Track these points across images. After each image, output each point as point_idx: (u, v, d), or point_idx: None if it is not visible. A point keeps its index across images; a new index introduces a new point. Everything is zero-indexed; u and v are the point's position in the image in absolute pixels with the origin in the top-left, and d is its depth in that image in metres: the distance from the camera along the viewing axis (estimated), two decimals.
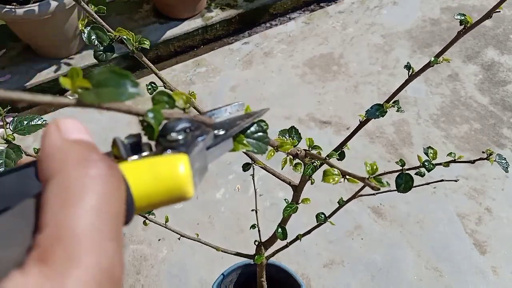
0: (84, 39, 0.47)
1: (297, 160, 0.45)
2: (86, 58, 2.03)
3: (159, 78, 0.56)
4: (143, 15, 2.25)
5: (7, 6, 1.74)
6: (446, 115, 1.85)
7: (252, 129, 0.29)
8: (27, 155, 0.61)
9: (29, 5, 1.75)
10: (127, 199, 0.20)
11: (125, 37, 0.47)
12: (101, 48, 0.48)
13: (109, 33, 0.48)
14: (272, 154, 0.37)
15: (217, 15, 2.26)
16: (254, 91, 1.97)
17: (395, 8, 2.39)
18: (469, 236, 1.46)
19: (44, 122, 0.59)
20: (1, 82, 1.92)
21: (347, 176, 0.36)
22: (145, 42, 0.49)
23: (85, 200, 0.17)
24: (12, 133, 0.54)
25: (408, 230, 1.48)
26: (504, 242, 1.44)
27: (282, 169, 0.48)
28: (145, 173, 0.22)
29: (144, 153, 0.24)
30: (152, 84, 0.56)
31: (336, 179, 0.35)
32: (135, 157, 0.24)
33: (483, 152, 0.60)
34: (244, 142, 0.28)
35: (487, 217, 1.51)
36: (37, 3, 1.74)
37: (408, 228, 1.48)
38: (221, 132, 0.28)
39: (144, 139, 0.25)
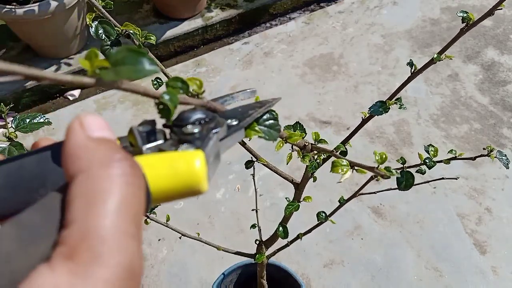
0: (91, 33, 0.48)
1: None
2: None
3: (165, 74, 0.57)
4: (143, 15, 2.26)
5: (7, 6, 1.74)
6: (446, 115, 1.85)
7: (264, 116, 0.29)
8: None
9: (29, 5, 1.75)
10: (146, 195, 0.21)
11: (131, 31, 0.47)
12: (108, 42, 0.48)
13: (116, 28, 0.48)
14: (281, 145, 0.37)
15: (217, 15, 2.26)
16: None
17: (395, 8, 2.39)
18: (469, 236, 1.46)
19: (46, 120, 0.59)
20: (1, 82, 1.92)
21: (356, 167, 0.36)
22: (151, 37, 0.50)
23: (109, 201, 0.18)
24: (14, 131, 0.55)
25: (408, 230, 1.48)
26: (504, 242, 1.44)
27: (287, 164, 0.48)
28: (163, 168, 0.22)
29: (159, 141, 0.25)
30: (158, 80, 0.57)
31: (345, 169, 0.35)
32: (151, 145, 0.25)
33: (484, 149, 0.60)
34: (256, 129, 0.28)
35: (487, 217, 1.51)
36: (37, 3, 1.74)
37: (408, 228, 1.48)
38: (234, 123, 0.29)
39: (159, 126, 0.26)
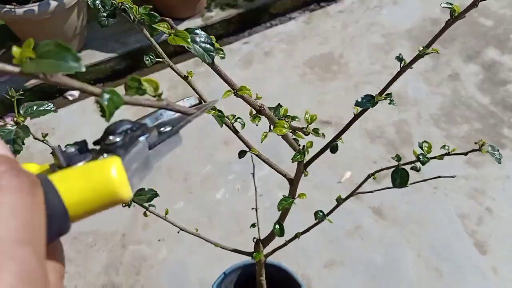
0: (89, 3, 0.49)
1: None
2: (86, 58, 2.03)
3: (160, 54, 0.57)
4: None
5: (7, 6, 1.74)
6: (447, 115, 1.85)
7: (201, 38, 0.29)
8: (34, 138, 0.65)
9: (29, 5, 1.74)
10: (54, 207, 0.21)
11: (127, 5, 0.47)
12: (104, 14, 0.49)
13: (113, 0, 0.49)
14: (229, 93, 0.38)
15: (217, 15, 2.25)
16: (254, 91, 1.96)
17: (395, 8, 2.39)
18: (469, 236, 1.46)
19: (52, 108, 0.63)
20: (1, 82, 1.92)
21: (296, 131, 0.38)
22: (146, 15, 0.51)
23: None
24: (23, 116, 0.58)
25: (408, 230, 1.48)
26: (504, 242, 1.44)
27: (261, 142, 0.49)
28: (77, 180, 0.22)
29: (87, 159, 0.24)
30: (150, 56, 0.58)
31: (284, 130, 0.37)
32: (79, 164, 0.24)
33: (475, 143, 0.60)
34: (189, 40, 0.27)
35: (488, 217, 1.50)
36: (37, 3, 1.74)
37: (408, 228, 1.48)
38: (167, 129, 0.28)
39: (90, 145, 0.26)
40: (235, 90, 0.35)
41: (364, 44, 2.18)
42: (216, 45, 0.27)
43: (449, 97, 1.92)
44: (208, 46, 0.27)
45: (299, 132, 0.38)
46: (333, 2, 2.46)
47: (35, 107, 0.62)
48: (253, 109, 0.42)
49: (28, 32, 1.87)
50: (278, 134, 0.42)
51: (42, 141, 0.66)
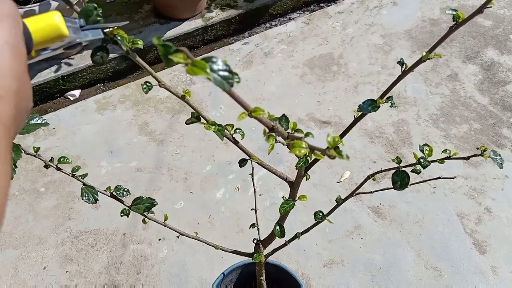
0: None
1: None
2: (86, 58, 2.03)
3: (154, 77, 0.57)
4: (143, 15, 2.26)
5: None
6: (446, 115, 1.85)
7: (219, 66, 0.29)
8: (26, 153, 0.62)
9: (29, 5, 1.75)
10: (25, 32, 0.36)
11: (119, 37, 0.47)
12: (97, 51, 0.49)
13: (103, 32, 0.49)
14: (244, 116, 0.38)
15: (217, 15, 2.26)
16: (254, 91, 1.97)
17: (395, 8, 2.39)
18: (469, 236, 1.46)
19: (44, 121, 0.60)
20: None
21: (314, 150, 0.38)
22: (138, 42, 0.51)
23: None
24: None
25: (408, 230, 1.48)
26: (504, 242, 1.45)
27: (268, 154, 0.49)
28: (37, 20, 0.38)
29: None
30: (147, 83, 0.58)
31: (303, 151, 0.37)
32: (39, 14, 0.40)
33: (477, 149, 0.60)
34: (208, 71, 0.28)
35: (487, 217, 1.51)
36: (38, 3, 1.75)
37: (408, 228, 1.49)
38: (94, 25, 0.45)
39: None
40: (249, 112, 0.36)
41: (363, 45, 2.19)
42: (233, 72, 0.28)
43: (448, 97, 1.92)
44: (227, 74, 0.28)
45: (319, 153, 0.37)
46: (332, 2, 2.47)
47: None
48: (266, 128, 0.42)
49: None
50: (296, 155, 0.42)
51: (34, 155, 0.63)
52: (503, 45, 2.16)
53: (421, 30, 2.25)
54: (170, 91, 0.59)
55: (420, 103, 1.90)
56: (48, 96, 2.00)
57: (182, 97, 0.60)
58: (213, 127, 0.60)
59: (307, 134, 0.45)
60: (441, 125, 1.81)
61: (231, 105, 1.88)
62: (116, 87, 2.05)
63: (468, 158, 0.61)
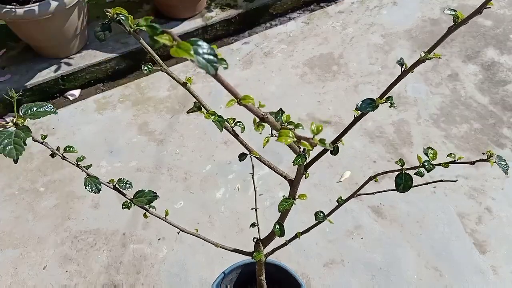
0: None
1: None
2: (86, 58, 2.03)
3: (156, 61, 0.58)
4: (143, 15, 2.26)
5: (7, 6, 1.74)
6: (446, 115, 1.85)
7: (204, 50, 0.29)
8: (34, 140, 0.64)
9: (29, 5, 1.75)
10: None
11: (123, 17, 0.47)
12: (99, 28, 0.49)
13: (108, 13, 0.49)
14: (232, 103, 0.39)
15: (217, 15, 2.26)
16: (254, 91, 1.97)
17: (395, 8, 2.39)
18: (469, 235, 1.46)
19: (52, 109, 0.62)
20: (1, 82, 1.92)
21: (301, 140, 0.38)
22: (143, 24, 0.51)
23: None
24: (23, 118, 0.58)
25: (408, 230, 1.48)
26: (504, 242, 1.45)
27: (263, 147, 0.49)
28: None
29: None
30: (148, 65, 0.59)
31: (289, 140, 0.38)
32: None
33: (483, 154, 0.60)
34: (191, 53, 0.28)
35: (487, 217, 1.51)
36: (37, 3, 1.74)
37: (408, 227, 1.48)
38: None
39: None
40: (238, 99, 0.36)
41: (363, 44, 2.19)
42: (219, 54, 0.28)
43: (448, 97, 1.92)
44: (211, 57, 0.28)
45: (304, 142, 0.38)
46: (332, 2, 2.46)
47: (34, 108, 0.62)
48: (256, 117, 0.43)
49: (29, 32, 1.87)
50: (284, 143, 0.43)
51: (42, 143, 0.65)
52: (503, 45, 2.15)
53: (421, 30, 2.25)
54: (171, 77, 0.59)
55: (421, 103, 1.90)
56: (47, 96, 1.99)
57: (184, 84, 0.61)
58: (213, 117, 0.60)
59: (297, 126, 0.45)
60: (442, 125, 1.81)
61: (233, 108, 1.88)
62: (116, 87, 2.04)
63: (473, 163, 0.60)
